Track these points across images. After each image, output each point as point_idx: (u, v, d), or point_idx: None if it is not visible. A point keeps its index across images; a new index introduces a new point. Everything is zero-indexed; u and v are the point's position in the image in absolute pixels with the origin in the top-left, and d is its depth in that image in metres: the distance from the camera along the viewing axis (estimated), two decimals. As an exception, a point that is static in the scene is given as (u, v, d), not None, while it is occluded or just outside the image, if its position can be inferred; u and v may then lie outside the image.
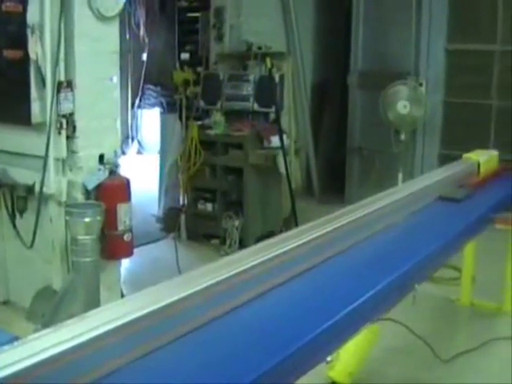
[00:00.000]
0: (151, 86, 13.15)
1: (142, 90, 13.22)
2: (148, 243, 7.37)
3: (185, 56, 11.36)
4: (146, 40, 13.05)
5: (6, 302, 5.63)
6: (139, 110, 13.23)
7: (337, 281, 2.59)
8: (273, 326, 2.15)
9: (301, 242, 2.79)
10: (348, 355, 4.07)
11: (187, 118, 7.75)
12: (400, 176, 7.52)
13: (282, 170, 7.21)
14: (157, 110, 12.45)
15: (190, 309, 2.15)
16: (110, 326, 1.93)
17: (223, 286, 2.32)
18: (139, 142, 13.16)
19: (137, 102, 13.17)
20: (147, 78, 13.14)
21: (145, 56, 13.07)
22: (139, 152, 13.04)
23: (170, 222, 7.80)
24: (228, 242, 7.22)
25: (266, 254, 2.59)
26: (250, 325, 2.17)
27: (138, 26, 12.89)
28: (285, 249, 2.69)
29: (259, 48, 8.08)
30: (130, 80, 12.81)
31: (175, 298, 2.15)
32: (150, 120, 12.64)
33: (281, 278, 2.46)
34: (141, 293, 2.21)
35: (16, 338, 1.88)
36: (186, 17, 11.34)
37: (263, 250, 2.64)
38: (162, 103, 12.79)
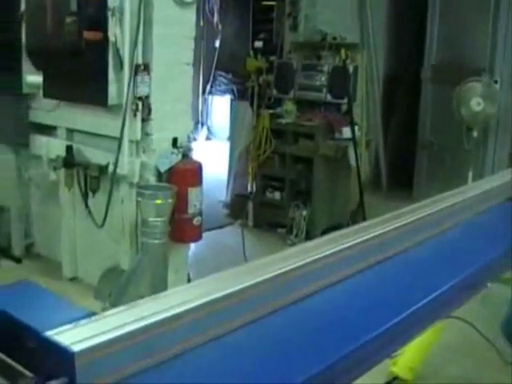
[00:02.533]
0: (223, 73, 13.19)
1: (214, 76, 13.26)
2: (214, 229, 7.41)
3: (258, 44, 11.34)
4: (220, 27, 13.08)
5: (73, 279, 5.74)
6: (210, 97, 13.30)
7: (408, 276, 2.56)
8: (343, 317, 2.14)
9: (371, 235, 2.77)
10: (411, 351, 4.05)
11: (258, 106, 7.76)
12: (470, 174, 7.41)
13: (353, 162, 7.17)
14: (227, 97, 12.48)
15: (259, 296, 2.15)
16: (181, 308, 1.95)
17: (292, 275, 2.32)
18: (208, 129, 13.24)
19: (208, 88, 13.23)
20: (219, 64, 13.19)
21: (217, 43, 13.10)
22: (208, 138, 13.12)
23: (237, 208, 7.84)
24: (294, 232, 7.21)
25: (336, 245, 2.58)
26: (319, 314, 2.16)
27: (212, 12, 12.93)
28: (354, 241, 2.67)
29: (334, 38, 8.03)
30: (202, 66, 12.87)
31: (246, 284, 2.16)
32: (220, 107, 12.69)
33: (350, 270, 2.45)
34: (215, 276, 2.22)
35: (92, 314, 1.92)
36: (260, 5, 11.33)
37: (333, 241, 2.63)
38: (232, 90, 12.82)
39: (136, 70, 4.83)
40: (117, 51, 4.88)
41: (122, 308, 1.95)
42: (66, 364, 1.56)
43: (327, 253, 2.53)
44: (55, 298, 2.13)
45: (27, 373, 1.67)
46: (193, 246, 5.91)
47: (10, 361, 1.73)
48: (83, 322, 1.79)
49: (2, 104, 5.93)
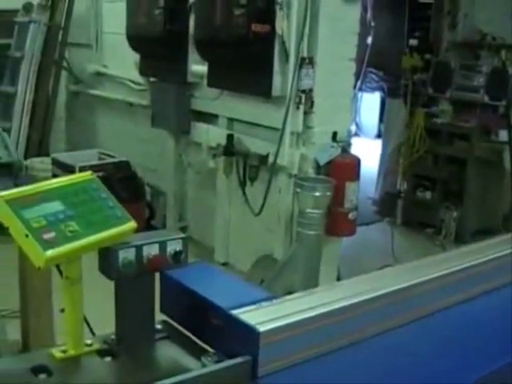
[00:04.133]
0: (373, 70, 13.09)
1: (364, 73, 13.18)
2: (362, 225, 7.39)
3: (413, 42, 11.21)
4: (373, 23, 12.98)
5: (225, 264, 5.89)
6: (359, 93, 13.24)
7: None
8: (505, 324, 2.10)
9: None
10: None
11: (412, 105, 7.70)
12: None
13: (507, 165, 7.00)
14: (377, 95, 12.39)
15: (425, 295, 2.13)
16: (358, 299, 1.98)
17: (449, 280, 2.28)
18: (357, 125, 13.21)
19: (358, 84, 13.17)
20: (370, 61, 13.10)
21: (369, 39, 13.01)
22: (356, 134, 13.08)
23: (385, 206, 7.82)
24: (443, 233, 7.12)
25: (495, 251, 2.51)
26: (480, 320, 2.13)
27: (365, 8, 12.85)
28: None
29: (493, 39, 7.86)
30: (354, 63, 12.82)
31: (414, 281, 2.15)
32: (369, 104, 12.62)
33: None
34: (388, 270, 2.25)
35: (273, 297, 1.98)
36: (417, 2, 11.18)
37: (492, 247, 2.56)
38: (383, 88, 12.71)
39: (301, 63, 4.92)
40: (283, 44, 4.97)
41: (301, 293, 2.02)
42: (251, 343, 1.64)
43: (486, 258, 2.45)
44: (232, 277, 2.21)
45: (210, 349, 1.76)
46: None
47: (194, 338, 1.83)
48: (266, 303, 1.86)
49: (166, 91, 6.16)
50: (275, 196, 5.22)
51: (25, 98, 7.31)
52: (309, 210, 4.70)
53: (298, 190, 4.77)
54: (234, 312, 1.75)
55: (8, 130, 6.74)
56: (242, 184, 5.53)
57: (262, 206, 5.24)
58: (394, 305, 2.02)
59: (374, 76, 13.12)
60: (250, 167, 5.41)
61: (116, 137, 7.53)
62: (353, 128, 13.13)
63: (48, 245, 1.54)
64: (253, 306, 1.83)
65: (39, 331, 3.46)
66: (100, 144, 7.71)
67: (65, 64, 7.94)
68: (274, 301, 1.92)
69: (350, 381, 1.70)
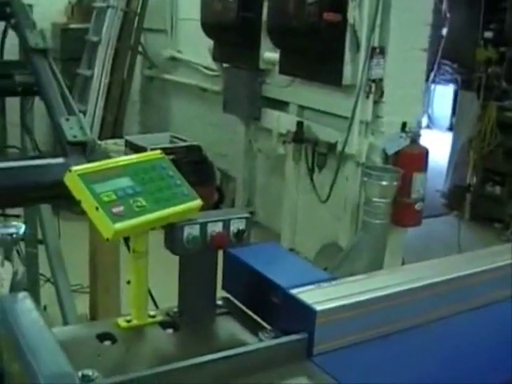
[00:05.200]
0: (447, 62, 12.96)
1: (438, 64, 13.07)
2: (429, 217, 7.37)
3: (488, 34, 11.08)
4: (448, 15, 12.85)
5: (291, 250, 5.94)
6: (432, 85, 13.13)
7: None
8: None
9: None
10: None
11: (485, 98, 7.62)
12: None
13: None
14: (450, 87, 12.28)
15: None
16: (419, 283, 2.02)
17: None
18: (429, 117, 13.11)
19: (431, 76, 13.07)
20: (444, 53, 12.97)
21: (444, 31, 12.88)
22: (428, 127, 12.99)
23: (454, 199, 7.77)
24: (511, 229, 7.05)
25: None
26: None
27: (440, 0, 12.73)
28: None
29: None
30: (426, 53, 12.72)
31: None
32: (442, 96, 12.51)
33: None
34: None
35: (333, 279, 2.03)
36: (493, -6, 11.03)
37: None
38: (456, 80, 12.58)
39: (372, 52, 4.94)
40: (354, 33, 5.00)
41: (362, 276, 2.06)
42: (308, 321, 1.70)
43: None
44: (299, 260, 2.27)
45: (268, 326, 1.83)
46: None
47: (253, 315, 1.89)
48: (325, 284, 1.92)
49: (238, 77, 6.24)
50: (342, 184, 5.26)
51: (100, 81, 7.48)
52: (375, 199, 4.73)
53: (365, 178, 4.80)
54: (293, 291, 1.81)
55: (84, 112, 6.91)
56: (310, 171, 5.59)
57: (329, 193, 5.29)
58: (456, 292, 2.05)
59: (447, 68, 13.00)
60: (318, 155, 5.46)
61: (188, 121, 7.66)
62: (424, 120, 13.08)
63: (116, 218, 1.62)
64: (312, 286, 1.88)
65: (107, 306, 3.56)
66: (172, 128, 7.85)
67: (140, 49, 8.09)
68: (334, 282, 1.97)
69: (402, 365, 1.74)
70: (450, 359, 1.77)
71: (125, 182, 1.72)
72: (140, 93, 8.57)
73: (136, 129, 8.37)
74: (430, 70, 12.96)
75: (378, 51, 4.94)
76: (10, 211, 3.74)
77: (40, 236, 4.17)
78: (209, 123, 7.22)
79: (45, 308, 3.78)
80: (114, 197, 1.65)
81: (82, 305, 3.82)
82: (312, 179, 5.60)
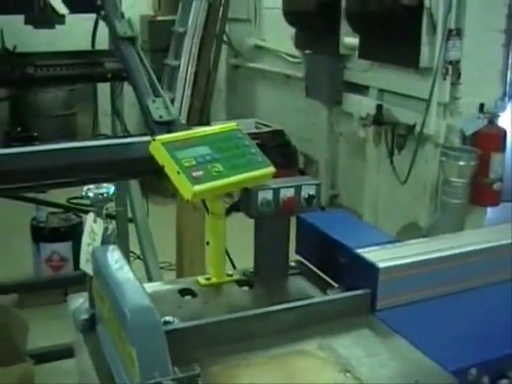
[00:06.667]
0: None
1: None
2: (510, 201, 7.33)
3: None
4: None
5: (372, 230, 6.04)
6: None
7: None
8: None
9: None
10: None
11: None
12: None
13: None
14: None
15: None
16: (475, 247, 2.12)
17: None
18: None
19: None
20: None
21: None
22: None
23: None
24: None
25: None
26: None
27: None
28: None
29: None
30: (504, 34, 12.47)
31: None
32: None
33: None
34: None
35: (397, 241, 2.18)
36: None
37: None
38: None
39: (448, 34, 5.01)
40: (431, 16, 5.07)
41: (423, 239, 2.21)
42: (371, 277, 1.87)
43: None
44: (367, 224, 2.43)
45: (334, 284, 2.00)
46: (489, 211, 5.97)
47: (321, 273, 2.06)
48: (389, 246, 2.07)
49: (320, 63, 6.38)
50: (421, 165, 5.36)
51: (187, 70, 7.66)
52: (453, 179, 4.82)
53: (444, 158, 4.90)
54: (359, 251, 1.97)
55: (172, 100, 7.14)
56: (390, 153, 5.69)
57: (408, 174, 5.39)
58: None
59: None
60: (397, 136, 5.56)
61: (273, 107, 7.83)
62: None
63: (196, 181, 1.80)
64: (377, 247, 2.04)
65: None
66: (258, 114, 8.02)
67: (225, 38, 8.27)
68: (397, 244, 2.13)
69: (459, 324, 1.86)
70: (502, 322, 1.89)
71: (204, 150, 1.91)
72: (226, 81, 8.75)
73: (222, 116, 8.57)
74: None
75: (454, 33, 5.00)
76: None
77: (130, 215, 4.44)
78: (292, 109, 7.36)
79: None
80: (193, 162, 1.84)
81: (171, 281, 4.05)
82: (392, 161, 5.70)
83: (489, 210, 5.40)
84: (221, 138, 2.00)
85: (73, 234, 4.96)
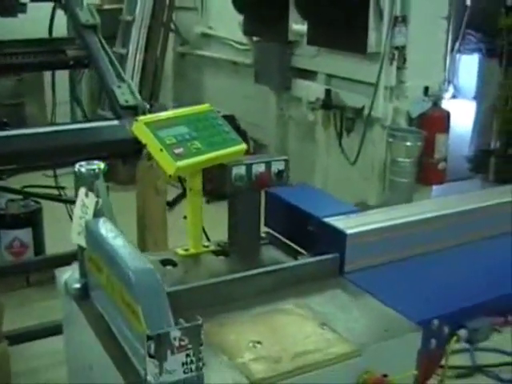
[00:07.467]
0: (472, 32, 12.99)
1: (463, 35, 13.10)
2: (455, 180, 7.58)
3: (510, 1, 11.09)
4: (472, -16, 12.84)
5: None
6: (457, 55, 13.19)
7: None
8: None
9: None
10: None
11: (507, 64, 7.78)
12: None
13: None
14: (475, 57, 12.35)
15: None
16: (432, 214, 2.30)
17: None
18: (455, 87, 13.21)
19: (456, 46, 13.12)
20: (469, 23, 12.99)
21: (468, 1, 12.89)
22: (454, 96, 13.09)
23: (479, 163, 7.96)
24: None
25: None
26: None
27: (465, -31, 12.72)
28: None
29: None
30: (450, 24, 12.78)
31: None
32: (468, 66, 12.60)
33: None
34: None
35: (358, 210, 2.35)
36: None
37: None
38: (481, 49, 12.61)
39: (395, 21, 5.21)
40: (377, 3, 5.26)
41: (382, 209, 2.38)
42: (339, 243, 2.04)
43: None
44: (327, 195, 2.60)
45: (303, 251, 2.17)
46: (434, 189, 6.19)
47: (289, 243, 2.23)
48: (353, 215, 2.25)
49: (269, 50, 6.52)
50: (369, 146, 5.56)
51: (135, 58, 7.75)
52: (400, 159, 5.03)
53: (391, 139, 5.11)
54: (327, 219, 2.14)
55: (121, 88, 7.20)
56: (339, 135, 5.88)
57: (357, 155, 5.59)
58: (468, 223, 2.34)
59: (472, 37, 13.04)
60: (346, 120, 5.75)
61: (221, 94, 7.90)
62: (450, 90, 13.17)
63: (178, 157, 1.95)
64: (342, 216, 2.21)
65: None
66: (206, 101, 7.97)
67: (172, 26, 8.34)
68: (361, 213, 2.30)
69: (422, 283, 2.04)
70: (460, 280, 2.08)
71: (183, 129, 2.06)
72: (173, 69, 8.80)
73: (171, 103, 8.63)
74: (454, 40, 13.06)
75: (400, 20, 5.20)
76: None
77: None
78: (241, 95, 7.46)
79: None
80: (174, 140, 1.99)
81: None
82: (341, 143, 5.89)
83: (434, 188, 5.64)
84: (197, 118, 2.16)
85: (32, 220, 4.98)
